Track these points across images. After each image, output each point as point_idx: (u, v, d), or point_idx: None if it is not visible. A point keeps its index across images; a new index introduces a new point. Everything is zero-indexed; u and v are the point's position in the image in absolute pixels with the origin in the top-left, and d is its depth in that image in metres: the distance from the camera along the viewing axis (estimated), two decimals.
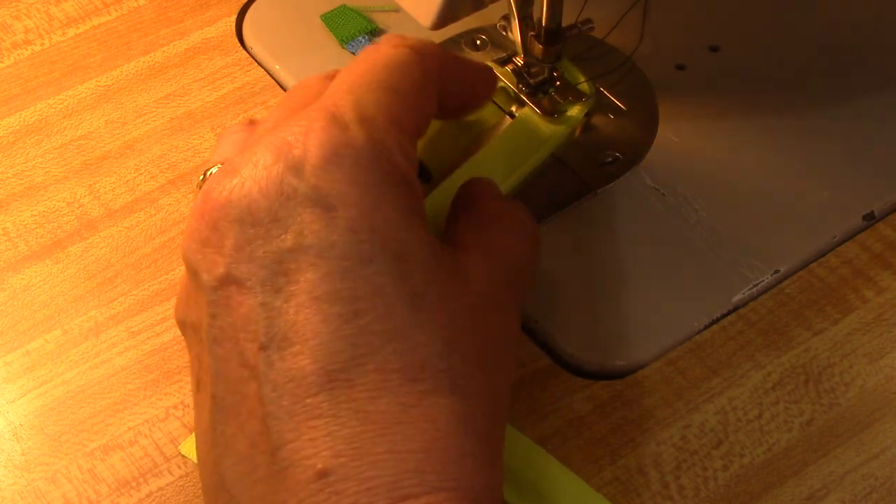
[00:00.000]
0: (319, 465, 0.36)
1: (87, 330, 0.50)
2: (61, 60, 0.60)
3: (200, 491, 0.45)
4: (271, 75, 0.59)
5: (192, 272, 0.40)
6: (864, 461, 0.46)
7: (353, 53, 0.60)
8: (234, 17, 0.62)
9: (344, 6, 0.61)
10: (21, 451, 0.47)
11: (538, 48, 0.55)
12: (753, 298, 0.51)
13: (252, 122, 0.46)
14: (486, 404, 0.39)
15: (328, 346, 0.37)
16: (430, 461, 0.36)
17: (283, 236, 0.38)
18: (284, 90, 0.59)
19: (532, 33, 0.54)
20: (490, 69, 0.49)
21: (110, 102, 0.58)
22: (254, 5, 0.62)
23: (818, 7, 0.62)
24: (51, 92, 0.59)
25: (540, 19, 0.54)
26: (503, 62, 0.56)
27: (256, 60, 0.60)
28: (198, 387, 0.40)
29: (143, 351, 0.49)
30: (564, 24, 0.54)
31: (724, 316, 0.50)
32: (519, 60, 0.56)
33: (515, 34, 0.54)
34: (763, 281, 0.51)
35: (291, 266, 0.38)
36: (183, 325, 0.42)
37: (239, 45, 0.61)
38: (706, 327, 0.50)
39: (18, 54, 0.60)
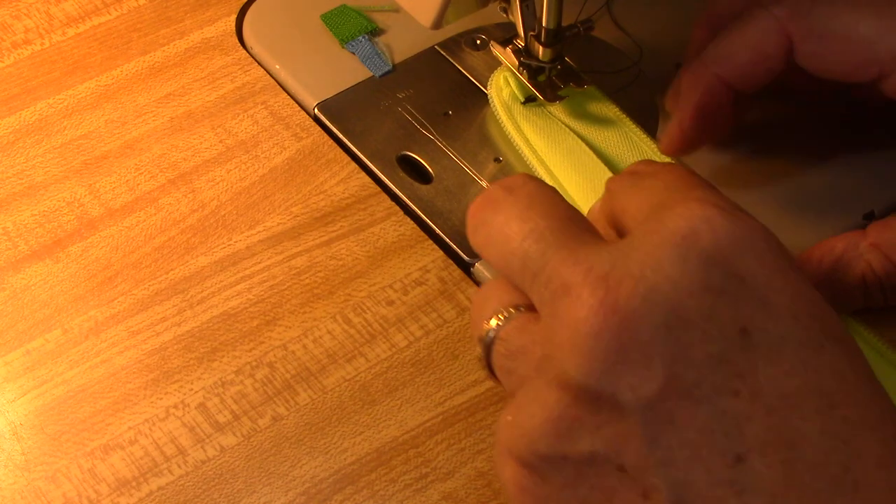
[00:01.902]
0: None
1: (87, 329, 0.50)
2: (61, 60, 0.60)
3: (199, 491, 0.46)
4: (271, 75, 0.60)
5: (597, 396, 0.34)
6: None
7: (353, 53, 0.60)
8: (234, 17, 0.62)
9: (344, 6, 0.61)
10: (21, 450, 0.47)
11: (538, 48, 0.55)
12: None
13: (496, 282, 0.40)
14: None
15: (819, 447, 0.34)
16: None
17: (725, 335, 0.34)
18: (285, 90, 0.59)
19: (532, 33, 0.54)
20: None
21: (110, 102, 0.58)
22: (254, 5, 0.62)
23: None
24: (51, 92, 0.59)
25: (540, 19, 0.54)
26: (504, 43, 0.56)
27: (256, 60, 0.60)
28: None
29: (143, 351, 0.49)
30: (564, 24, 0.54)
31: None
32: (520, 42, 0.55)
33: (516, 16, 0.54)
34: None
35: (743, 366, 0.34)
36: (558, 459, 0.36)
37: (239, 44, 0.61)
38: None
39: (18, 54, 0.60)
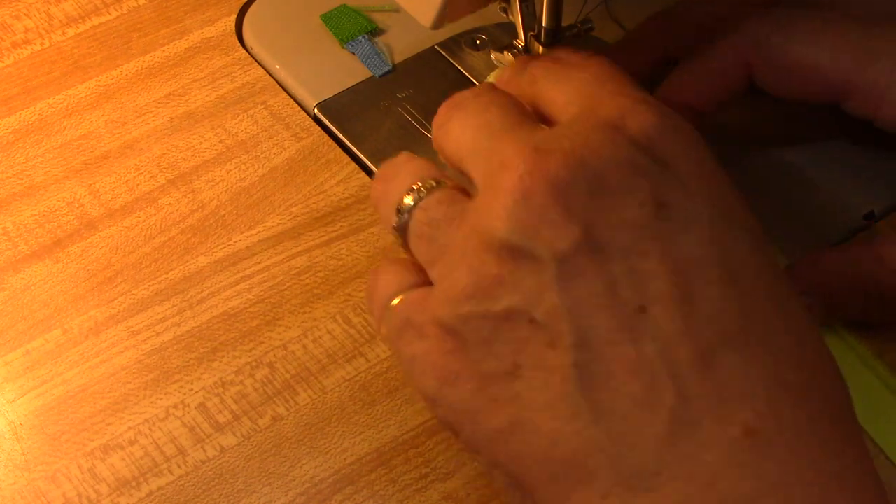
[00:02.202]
0: (741, 427, 0.35)
1: (87, 330, 0.50)
2: (61, 60, 0.60)
3: (199, 491, 0.46)
4: (271, 75, 0.60)
5: (517, 252, 0.38)
6: None
7: (353, 53, 0.60)
8: (234, 17, 0.62)
9: (344, 6, 0.61)
10: (21, 450, 0.47)
11: (538, 49, 0.55)
12: None
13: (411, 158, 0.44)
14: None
15: (718, 308, 0.37)
16: (841, 425, 0.37)
17: (643, 206, 0.38)
18: (285, 90, 0.59)
19: (532, 33, 0.54)
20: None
21: (110, 102, 0.58)
22: (254, 5, 0.62)
23: None
24: (51, 92, 0.59)
25: (540, 19, 0.54)
26: (503, 48, 0.56)
27: (256, 60, 0.60)
28: (513, 372, 0.38)
29: (143, 351, 0.49)
30: (564, 24, 0.54)
31: None
32: (519, 43, 0.55)
33: (516, 16, 0.54)
34: None
35: (656, 232, 0.37)
36: (478, 318, 0.39)
37: (239, 44, 0.61)
38: None
39: (18, 54, 0.60)
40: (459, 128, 0.42)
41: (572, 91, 0.42)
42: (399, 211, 0.42)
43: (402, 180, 0.43)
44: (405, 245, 0.42)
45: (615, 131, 0.39)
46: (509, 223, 0.38)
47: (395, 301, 0.42)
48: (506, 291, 0.38)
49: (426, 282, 0.41)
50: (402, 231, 0.42)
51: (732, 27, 0.52)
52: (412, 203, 0.42)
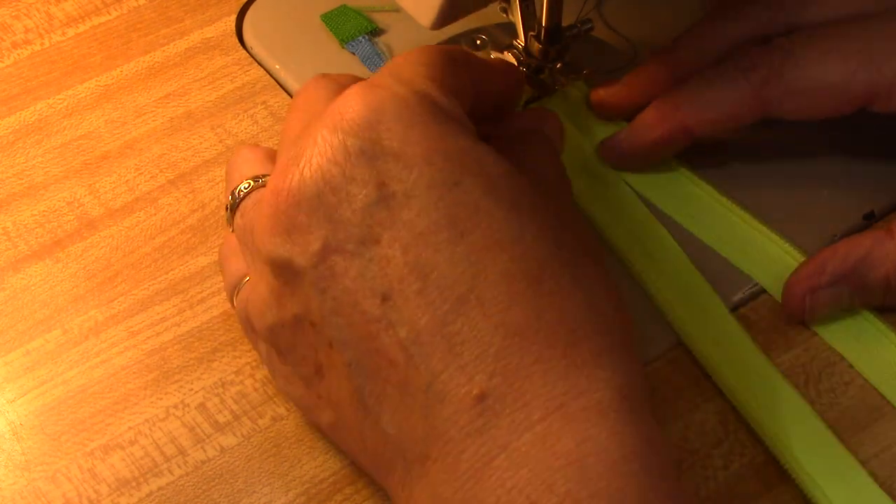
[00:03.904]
0: (476, 391, 0.37)
1: (87, 330, 0.50)
2: (61, 60, 0.60)
3: (199, 491, 0.46)
4: (271, 75, 0.60)
5: (282, 265, 0.40)
6: (864, 461, 0.46)
7: (353, 53, 0.60)
8: (234, 17, 0.62)
9: (344, 6, 0.61)
10: (21, 450, 0.47)
11: (538, 48, 0.55)
12: (754, 298, 0.51)
13: (257, 146, 0.47)
14: (605, 289, 0.40)
15: (448, 273, 0.38)
16: (576, 364, 0.37)
17: (364, 192, 0.39)
18: (284, 90, 0.59)
19: (532, 33, 0.54)
20: (515, 67, 0.50)
21: (110, 102, 0.58)
22: (254, 5, 0.62)
23: None
24: (51, 92, 0.59)
25: (540, 19, 0.54)
26: (503, 48, 0.56)
27: (256, 60, 0.60)
28: (318, 372, 0.41)
29: (143, 351, 0.49)
30: (564, 24, 0.54)
31: None
32: (519, 43, 0.56)
33: (516, 16, 0.54)
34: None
35: (383, 215, 0.39)
36: (278, 327, 0.42)
37: (239, 44, 0.61)
38: None
39: (18, 54, 0.60)
40: (290, 118, 0.44)
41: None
42: (228, 208, 0.45)
43: (243, 170, 0.46)
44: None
45: (334, 122, 0.40)
46: (269, 242, 0.40)
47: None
48: (288, 301, 0.41)
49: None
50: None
51: (741, 61, 0.51)
52: (237, 201, 0.45)
